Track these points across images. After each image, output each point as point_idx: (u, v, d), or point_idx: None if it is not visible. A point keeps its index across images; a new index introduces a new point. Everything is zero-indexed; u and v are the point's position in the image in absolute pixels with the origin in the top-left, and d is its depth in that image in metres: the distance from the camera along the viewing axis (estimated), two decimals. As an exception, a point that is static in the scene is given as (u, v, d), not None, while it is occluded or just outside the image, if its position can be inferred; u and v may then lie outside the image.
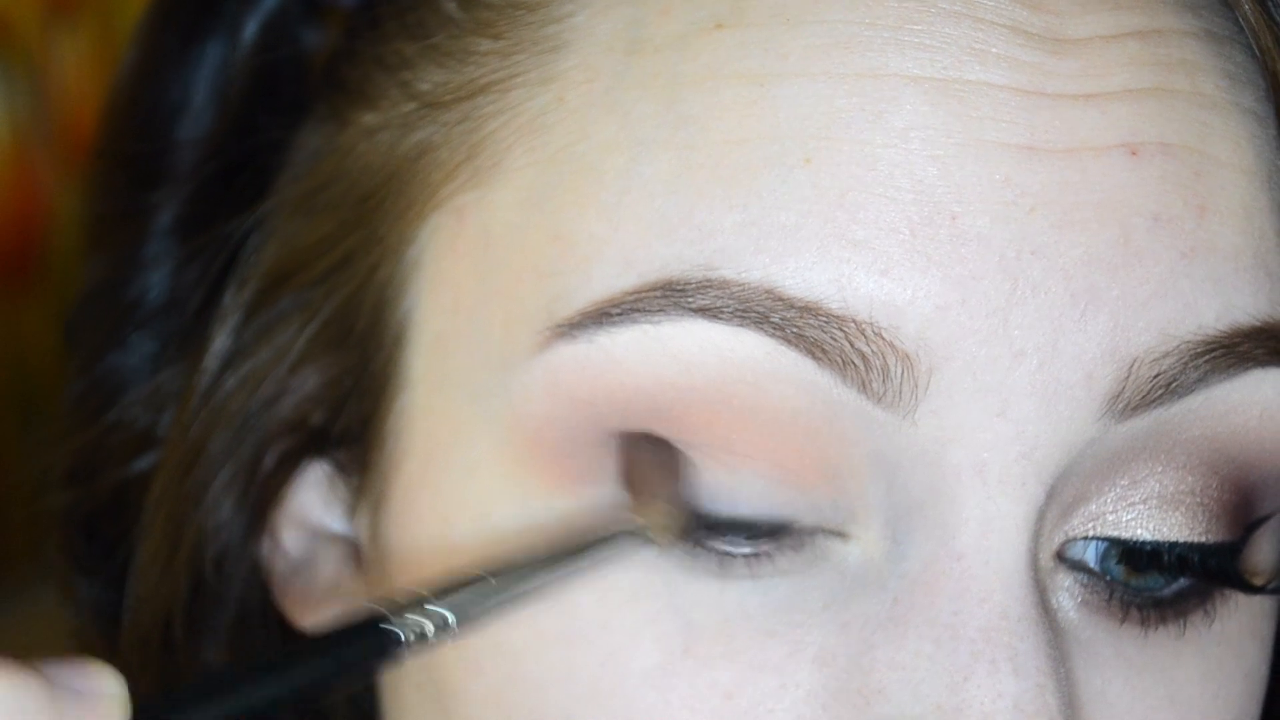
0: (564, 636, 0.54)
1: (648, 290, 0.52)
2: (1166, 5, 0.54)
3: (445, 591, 0.48)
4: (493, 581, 0.49)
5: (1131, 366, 0.52)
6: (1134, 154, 0.52)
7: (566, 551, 0.51)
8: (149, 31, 0.69)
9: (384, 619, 0.47)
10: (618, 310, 0.52)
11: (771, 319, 0.51)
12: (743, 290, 0.51)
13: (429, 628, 0.47)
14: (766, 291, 0.51)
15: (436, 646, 0.48)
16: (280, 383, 0.62)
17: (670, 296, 0.52)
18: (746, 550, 0.53)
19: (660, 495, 0.52)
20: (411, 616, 0.47)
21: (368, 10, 0.63)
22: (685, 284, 0.52)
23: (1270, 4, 0.55)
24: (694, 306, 0.52)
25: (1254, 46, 0.54)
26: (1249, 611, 0.57)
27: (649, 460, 0.53)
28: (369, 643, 0.47)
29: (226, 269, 0.64)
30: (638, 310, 0.52)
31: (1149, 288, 0.52)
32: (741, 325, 0.51)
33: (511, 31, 0.57)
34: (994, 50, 0.52)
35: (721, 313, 0.51)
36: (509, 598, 0.49)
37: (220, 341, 0.63)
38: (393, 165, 0.59)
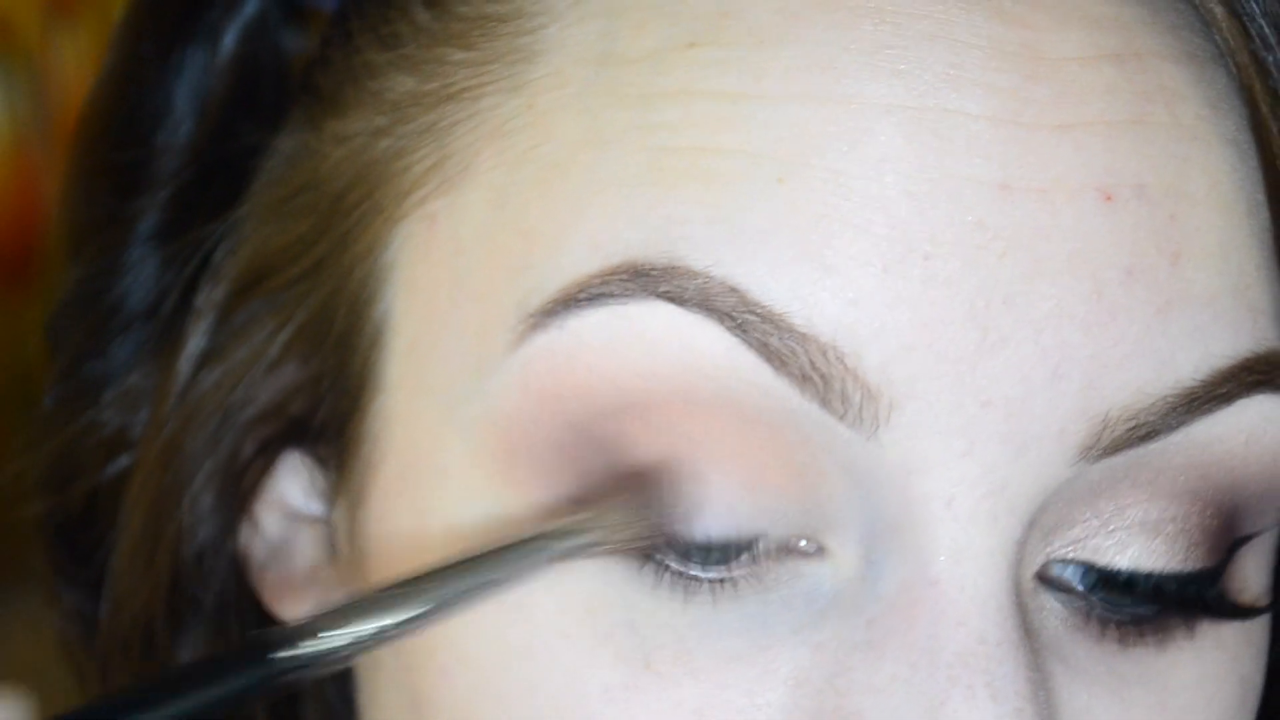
0: (527, 649, 0.53)
1: (614, 272, 0.52)
2: (1146, 25, 0.53)
3: (339, 617, 0.48)
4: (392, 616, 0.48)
5: (1105, 421, 0.51)
6: (1108, 199, 0.51)
7: (496, 558, 0.50)
8: (127, 38, 0.69)
9: (272, 648, 0.47)
10: (585, 295, 0.52)
11: (734, 316, 0.50)
12: (708, 283, 0.51)
13: (319, 650, 0.47)
14: (731, 289, 0.50)
15: (335, 668, 0.48)
16: (257, 383, 0.62)
17: (637, 280, 0.51)
18: (711, 575, 0.52)
19: (616, 503, 0.52)
20: (304, 644, 0.47)
21: (343, 19, 0.62)
22: (650, 268, 0.51)
23: (1246, 19, 0.53)
24: (659, 291, 0.51)
25: (1231, 65, 0.53)
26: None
27: (616, 485, 0.52)
28: (255, 671, 0.47)
29: (200, 271, 0.64)
30: (605, 294, 0.52)
31: (1124, 348, 0.51)
32: (705, 316, 0.51)
33: (484, 43, 0.56)
34: (968, 75, 0.51)
35: (686, 300, 0.51)
36: (426, 612, 0.49)
37: (195, 342, 0.63)
38: (364, 172, 0.59)
